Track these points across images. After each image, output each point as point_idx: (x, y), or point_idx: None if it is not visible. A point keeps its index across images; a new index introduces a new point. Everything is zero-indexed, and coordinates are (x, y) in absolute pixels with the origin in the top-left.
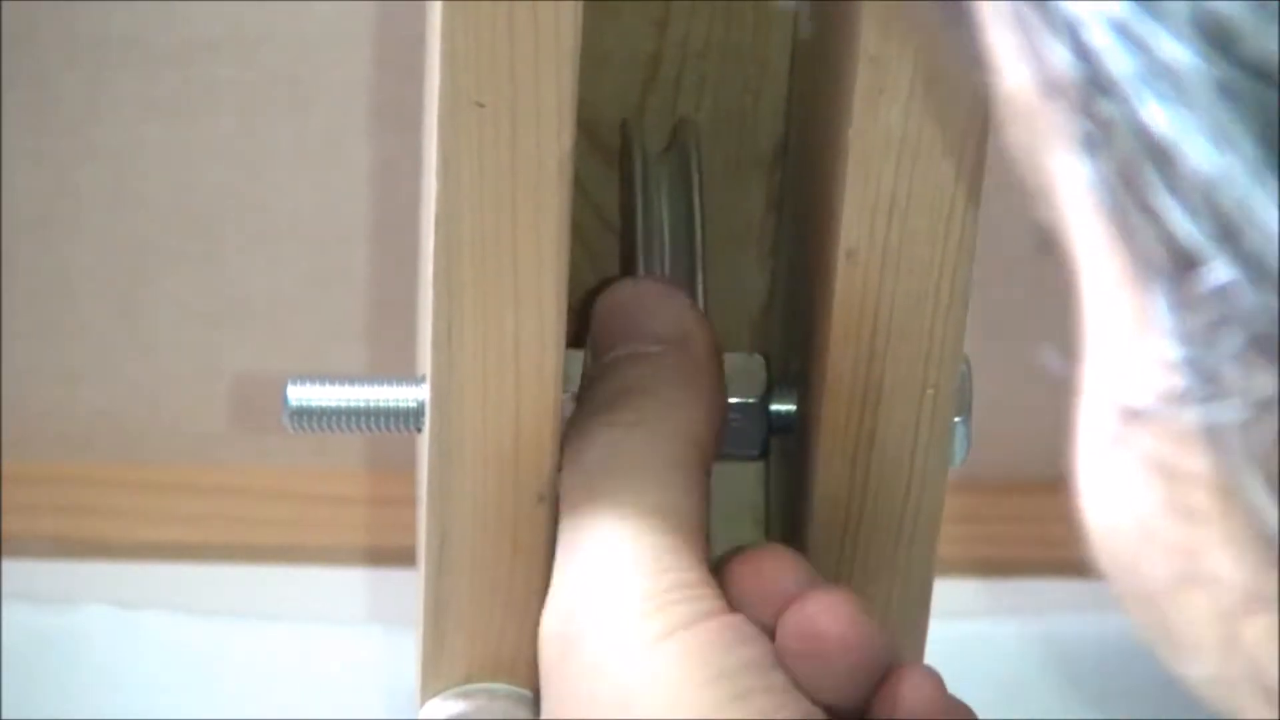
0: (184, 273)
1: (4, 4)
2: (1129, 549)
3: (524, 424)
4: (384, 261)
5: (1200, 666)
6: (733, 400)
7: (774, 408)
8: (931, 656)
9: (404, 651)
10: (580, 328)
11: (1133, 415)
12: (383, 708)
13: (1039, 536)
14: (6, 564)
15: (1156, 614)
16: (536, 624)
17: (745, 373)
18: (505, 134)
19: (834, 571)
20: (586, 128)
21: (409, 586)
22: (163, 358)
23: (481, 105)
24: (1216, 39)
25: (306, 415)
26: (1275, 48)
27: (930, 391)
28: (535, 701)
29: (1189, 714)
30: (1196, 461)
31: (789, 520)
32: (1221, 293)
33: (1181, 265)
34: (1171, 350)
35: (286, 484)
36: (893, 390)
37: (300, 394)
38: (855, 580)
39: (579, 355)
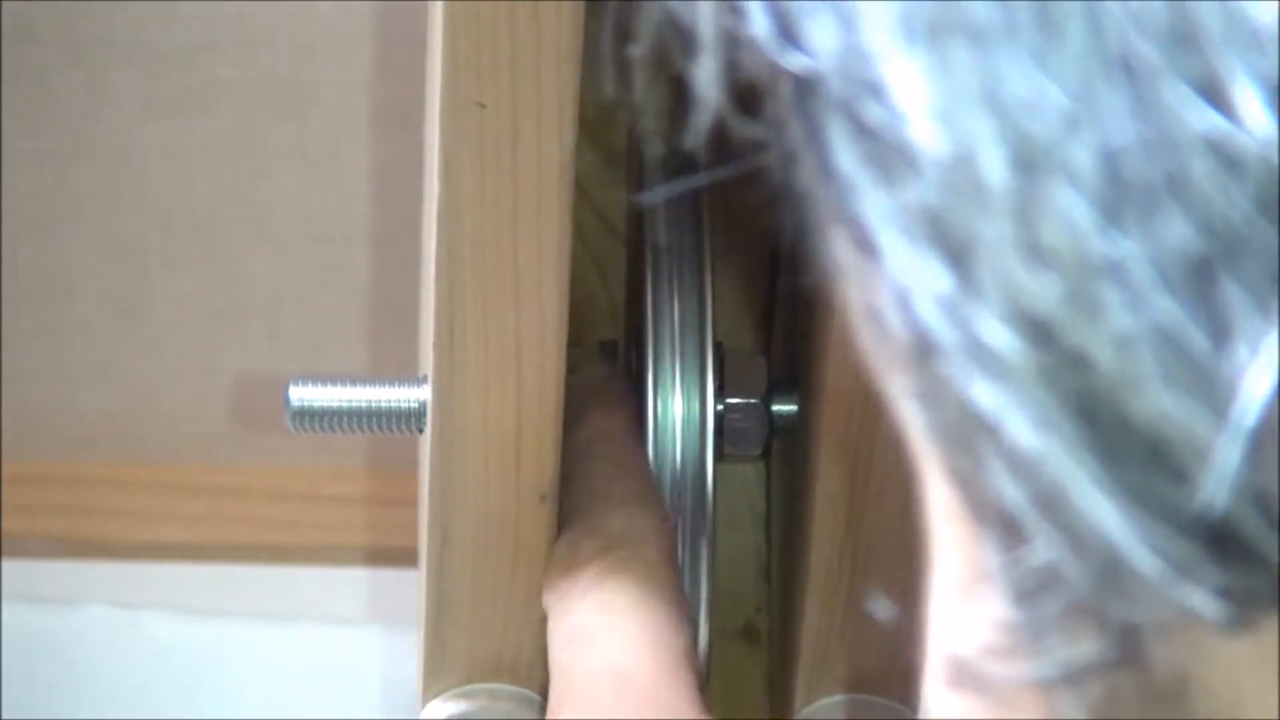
0: (184, 273)
1: (4, 4)
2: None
3: (525, 424)
4: (385, 261)
5: None
6: (734, 400)
7: (775, 408)
8: None
9: (405, 652)
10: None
11: (962, 668)
12: (383, 708)
13: None
14: (6, 564)
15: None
16: (538, 624)
17: (747, 373)
18: (506, 134)
19: (834, 571)
20: (587, 128)
21: (410, 587)
22: (163, 358)
23: (483, 106)
24: (1035, 328)
25: (308, 416)
26: (1093, 340)
27: None
28: (537, 702)
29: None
30: (1029, 713)
31: (789, 520)
32: (1043, 557)
33: (1007, 525)
34: (999, 606)
35: (287, 484)
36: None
37: (302, 394)
38: (855, 580)
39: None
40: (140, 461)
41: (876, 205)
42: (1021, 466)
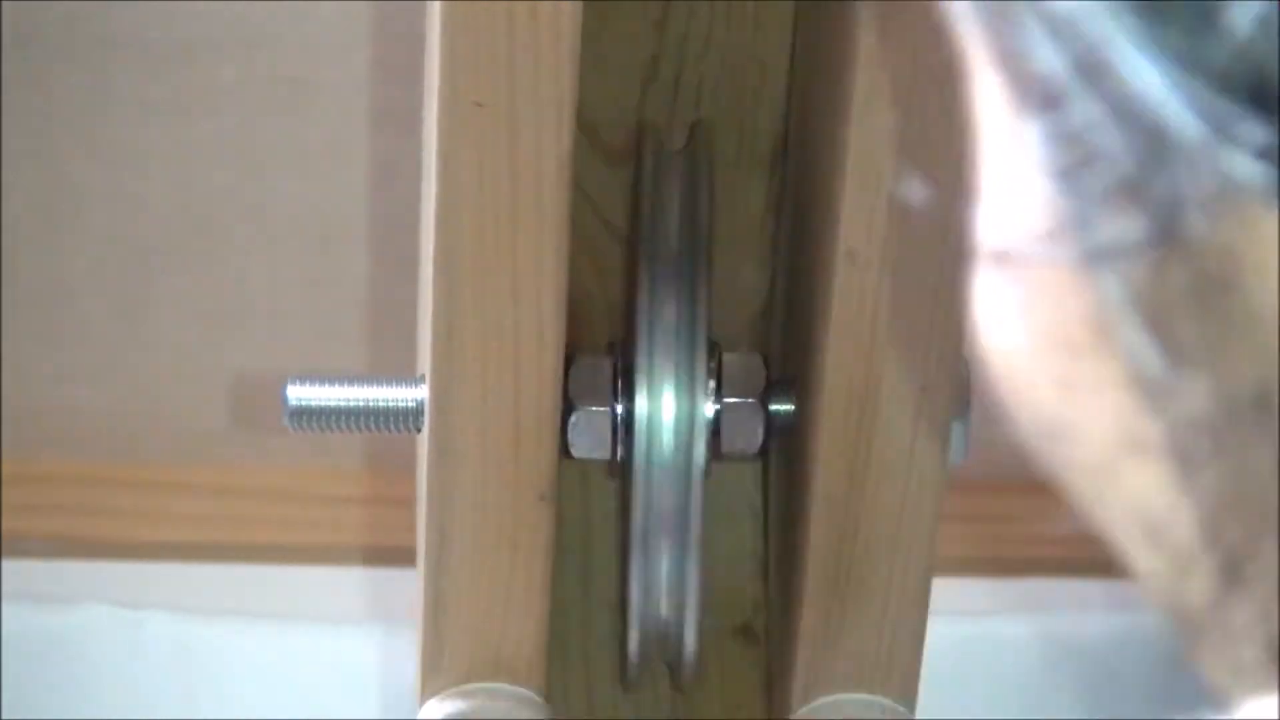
0: (184, 273)
1: (4, 4)
2: (1018, 379)
3: (524, 423)
4: (384, 261)
5: (1087, 503)
6: (731, 400)
7: (773, 407)
8: (932, 655)
9: (404, 651)
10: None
11: (1008, 254)
12: (382, 707)
13: (1039, 536)
14: (6, 564)
15: (1047, 446)
16: (537, 623)
17: (745, 372)
18: (505, 134)
19: (832, 570)
20: (586, 128)
21: (408, 586)
22: (163, 358)
23: (481, 105)
24: None
25: (306, 415)
26: None
27: (929, 391)
28: (537, 702)
29: (1193, 712)
30: (1074, 298)
31: (788, 519)
32: (1086, 131)
33: (1051, 100)
34: (1044, 186)
35: (286, 484)
36: (891, 390)
37: (300, 394)
38: (853, 579)
39: None
40: (140, 461)
41: None
42: (1062, 29)
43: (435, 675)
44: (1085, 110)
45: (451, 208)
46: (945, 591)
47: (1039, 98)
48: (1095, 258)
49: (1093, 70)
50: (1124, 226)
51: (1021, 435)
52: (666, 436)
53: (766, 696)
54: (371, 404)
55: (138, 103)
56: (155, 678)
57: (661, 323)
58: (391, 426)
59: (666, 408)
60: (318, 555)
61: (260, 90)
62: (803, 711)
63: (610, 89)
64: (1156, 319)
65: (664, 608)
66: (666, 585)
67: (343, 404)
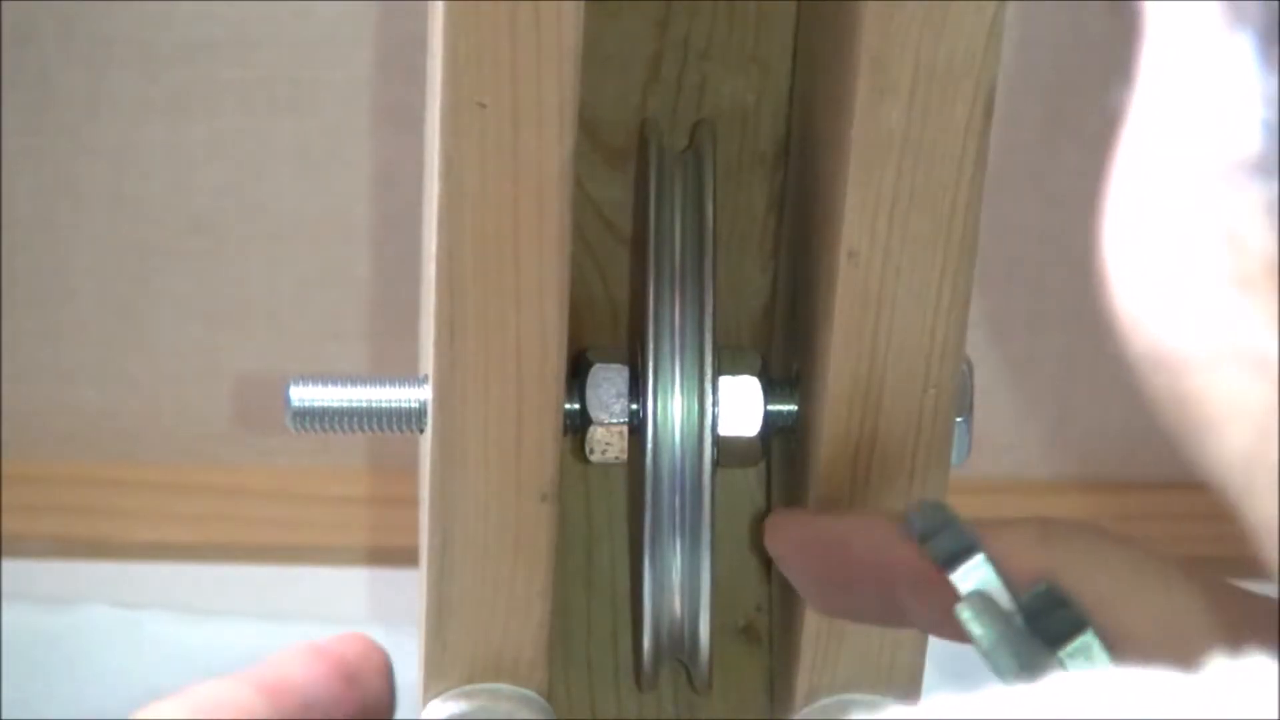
0: (184, 273)
1: (4, 4)
2: (1166, 313)
3: (526, 424)
4: (385, 261)
5: (1225, 443)
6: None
7: (774, 408)
8: (933, 655)
9: (406, 652)
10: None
11: (1210, 186)
12: None
13: None
14: (6, 564)
15: (1184, 384)
16: (540, 624)
17: (745, 372)
18: (507, 135)
19: None
20: (588, 128)
21: (411, 587)
22: (163, 358)
23: (483, 106)
24: None
25: (309, 416)
26: None
27: (931, 391)
28: (538, 703)
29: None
30: (1260, 235)
31: None
32: None
33: (1271, 23)
34: (1256, 110)
35: (288, 484)
36: (893, 390)
37: (302, 394)
38: None
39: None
40: (140, 461)
41: None
42: None
43: (437, 676)
44: None
45: (453, 208)
46: None
47: (1260, 19)
48: None
49: None
50: None
51: (1149, 373)
52: (677, 438)
53: (769, 697)
54: (374, 405)
55: (137, 103)
56: (155, 678)
57: (670, 326)
58: (394, 427)
59: (676, 409)
60: (319, 556)
61: (260, 90)
62: (805, 712)
63: (612, 89)
64: None
65: (677, 608)
66: (679, 586)
67: (346, 405)
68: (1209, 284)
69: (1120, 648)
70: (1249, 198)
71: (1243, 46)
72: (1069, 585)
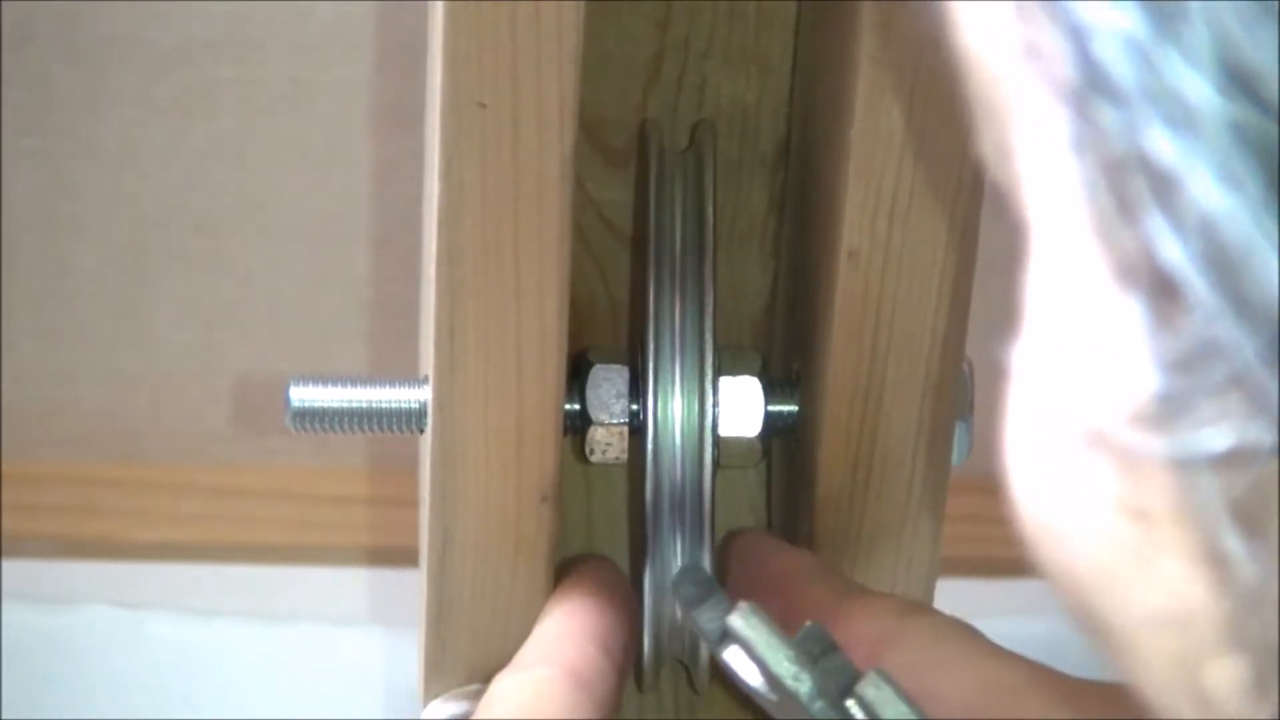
0: (184, 273)
1: (4, 4)
2: (1074, 551)
3: (526, 424)
4: (385, 261)
5: (1133, 670)
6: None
7: (775, 408)
8: None
9: (406, 652)
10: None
11: (1098, 436)
12: (384, 708)
13: None
14: (6, 564)
15: (1091, 616)
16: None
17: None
18: (507, 135)
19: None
20: (588, 128)
21: (411, 587)
22: (163, 358)
23: (483, 106)
24: (1238, 77)
25: (309, 416)
26: None
27: (931, 391)
28: None
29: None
30: (1160, 493)
31: (790, 520)
32: (1205, 324)
33: (1163, 286)
34: (1146, 370)
35: (288, 484)
36: (894, 390)
37: (302, 395)
38: (856, 580)
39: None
40: (140, 461)
41: None
42: (1194, 225)
43: (438, 676)
44: (1206, 304)
45: (454, 208)
46: (946, 592)
47: (1151, 284)
48: (1197, 455)
49: (1223, 269)
50: (1233, 427)
51: (1062, 601)
52: (677, 439)
53: None
54: (374, 405)
55: (137, 103)
56: (155, 678)
57: (670, 326)
58: (394, 427)
59: (677, 410)
60: (319, 556)
61: (260, 90)
62: None
63: (612, 89)
64: (1253, 526)
65: (677, 608)
66: None
67: (346, 405)
68: (1104, 510)
69: (940, 709)
70: (1144, 456)
71: (1131, 310)
72: (911, 652)
